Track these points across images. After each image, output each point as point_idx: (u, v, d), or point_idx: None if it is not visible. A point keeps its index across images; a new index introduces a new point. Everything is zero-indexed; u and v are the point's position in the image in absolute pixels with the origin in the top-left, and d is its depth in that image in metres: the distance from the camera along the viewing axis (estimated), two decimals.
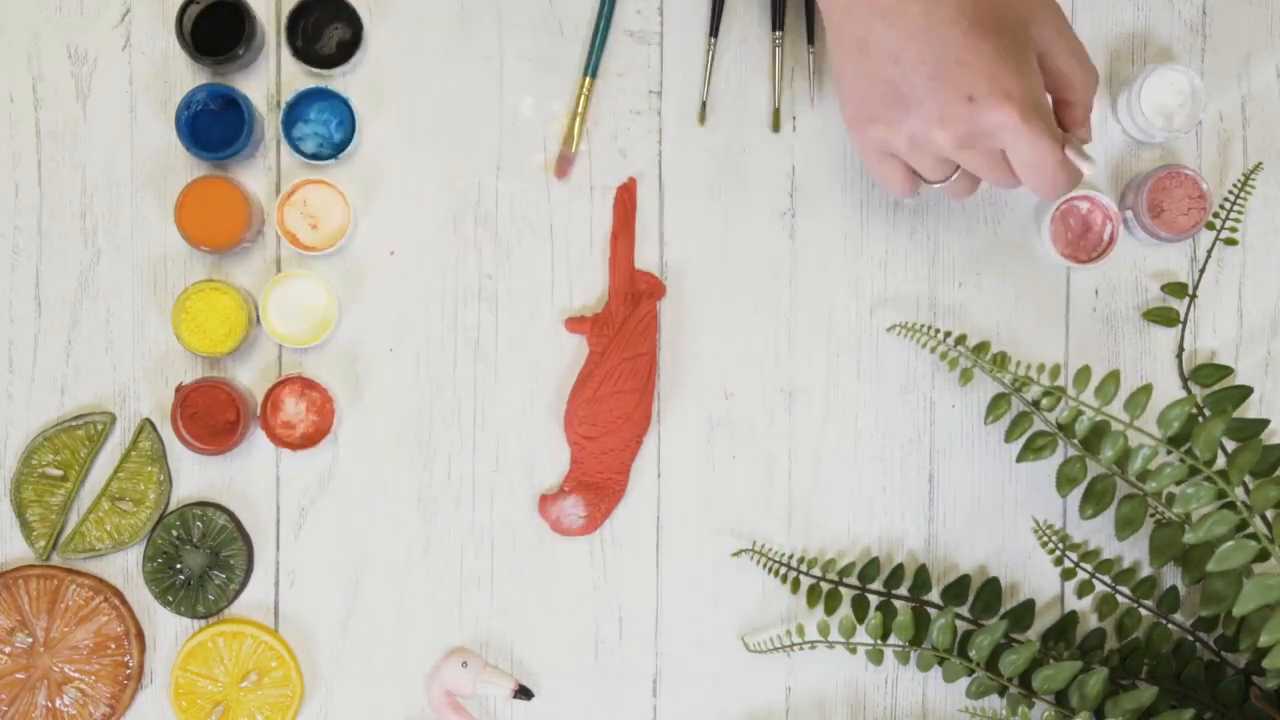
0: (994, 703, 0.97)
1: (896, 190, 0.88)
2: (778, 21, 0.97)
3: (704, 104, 0.98)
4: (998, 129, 0.81)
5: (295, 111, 0.96)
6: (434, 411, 0.98)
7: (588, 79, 0.97)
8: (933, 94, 0.81)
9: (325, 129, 0.96)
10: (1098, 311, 0.99)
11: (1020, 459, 0.94)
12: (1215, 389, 0.98)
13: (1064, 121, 0.87)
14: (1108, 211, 0.97)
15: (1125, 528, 0.91)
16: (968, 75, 0.80)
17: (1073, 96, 0.86)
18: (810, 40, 0.98)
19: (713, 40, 0.97)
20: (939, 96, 0.81)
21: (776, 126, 0.98)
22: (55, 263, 0.98)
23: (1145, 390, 0.85)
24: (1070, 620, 0.97)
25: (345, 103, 0.96)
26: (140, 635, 0.97)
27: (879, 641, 0.94)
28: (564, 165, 0.97)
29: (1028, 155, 0.82)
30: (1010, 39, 0.81)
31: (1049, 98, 0.85)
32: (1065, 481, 0.92)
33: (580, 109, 0.97)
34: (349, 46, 0.97)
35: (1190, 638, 0.95)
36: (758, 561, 0.97)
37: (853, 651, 0.94)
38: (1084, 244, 0.97)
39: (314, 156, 0.96)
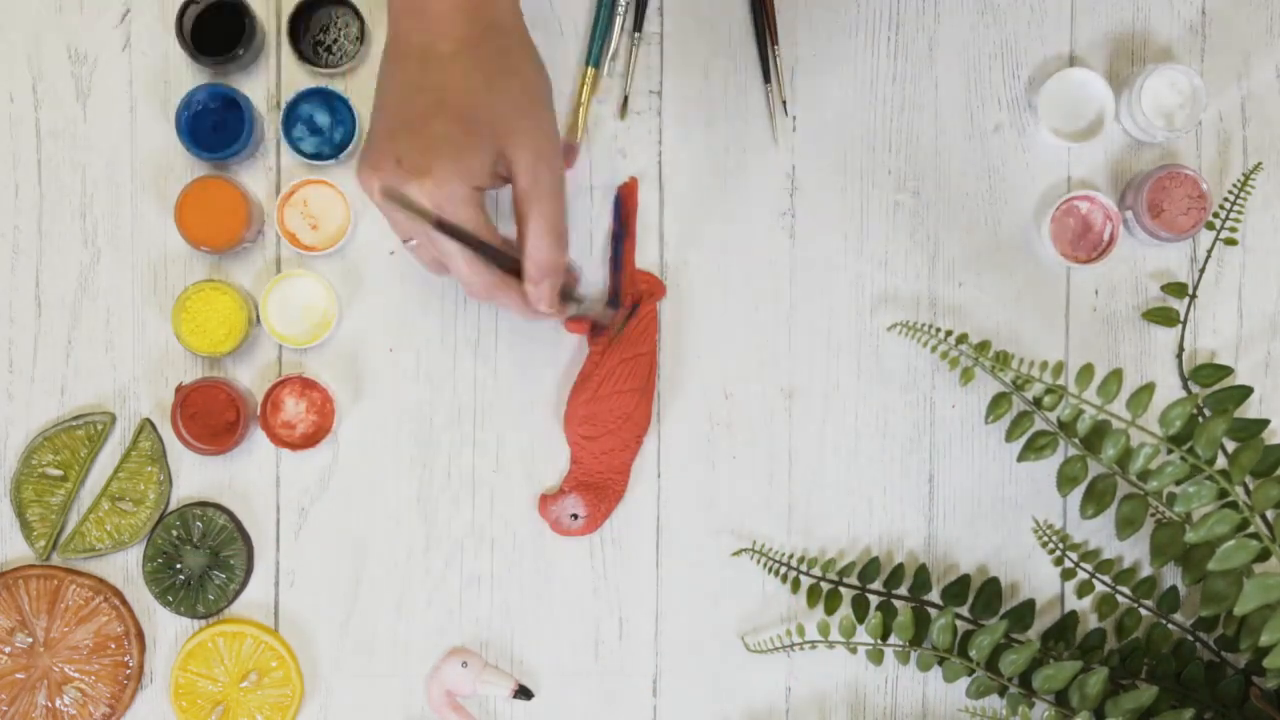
0: (994, 703, 0.97)
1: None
2: (758, 24, 0.98)
3: (625, 99, 0.98)
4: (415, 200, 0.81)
5: (295, 111, 0.96)
6: (434, 411, 0.98)
7: (590, 69, 0.97)
8: (381, 147, 0.82)
9: (325, 129, 0.96)
10: (1098, 311, 0.99)
11: (1021, 458, 0.94)
12: (1215, 389, 0.98)
13: (523, 270, 0.86)
14: (1108, 211, 0.97)
15: (1126, 527, 0.91)
16: (408, 140, 0.81)
17: (522, 239, 0.85)
18: (774, 40, 0.98)
19: (636, 35, 0.98)
20: (383, 149, 0.82)
21: (775, 119, 0.98)
22: (55, 263, 0.98)
23: (1147, 389, 0.85)
24: (1070, 620, 0.97)
25: (345, 103, 0.96)
26: (140, 635, 0.97)
27: (879, 641, 0.94)
28: (570, 155, 0.97)
29: (438, 241, 0.82)
30: (466, 132, 0.82)
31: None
32: (1066, 481, 0.92)
33: (584, 99, 0.97)
34: (350, 46, 0.97)
35: (1190, 638, 0.95)
36: (758, 561, 0.97)
37: (853, 651, 0.94)
38: (1084, 244, 0.97)
39: (314, 156, 0.96)
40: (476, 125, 0.82)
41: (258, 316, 0.97)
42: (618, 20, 0.98)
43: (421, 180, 0.81)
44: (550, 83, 0.86)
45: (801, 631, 0.96)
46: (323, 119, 0.96)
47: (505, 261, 0.85)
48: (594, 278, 0.98)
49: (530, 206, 0.84)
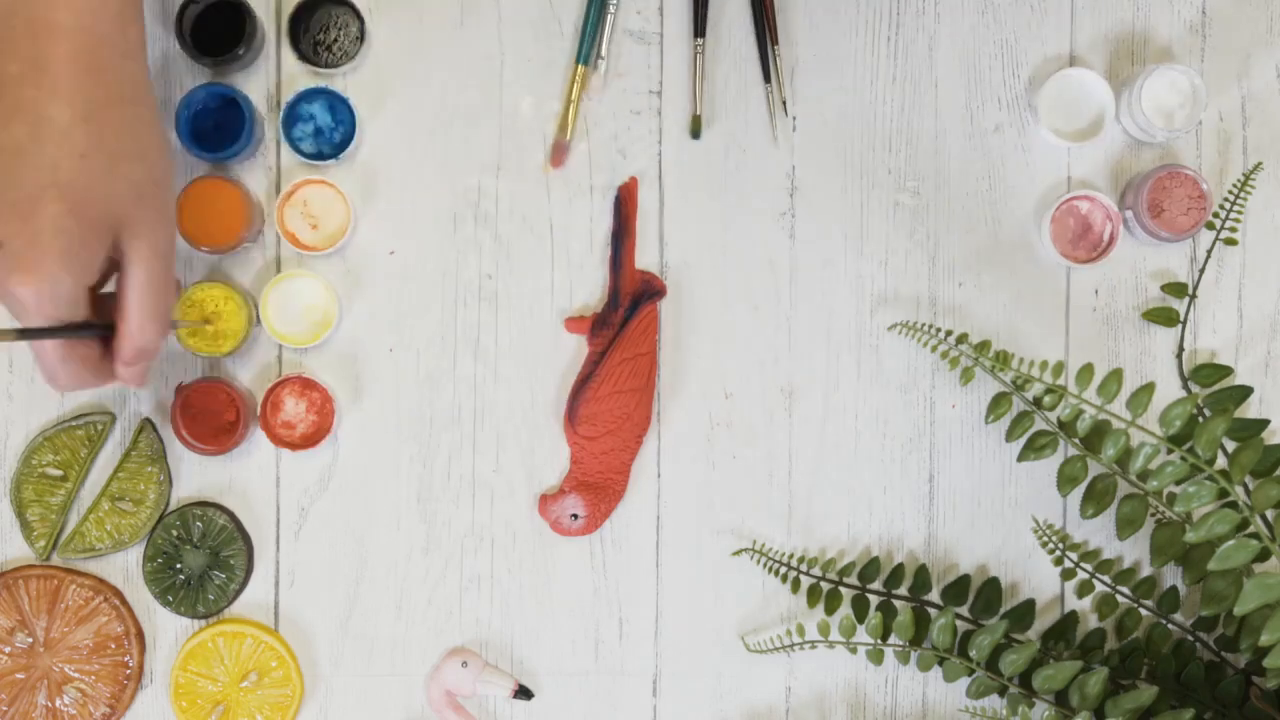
0: (994, 703, 0.97)
1: None
2: (758, 24, 0.98)
3: (697, 116, 0.98)
4: (13, 293, 0.73)
5: (295, 111, 0.96)
6: (434, 411, 0.98)
7: (580, 66, 0.97)
8: None
9: (325, 129, 0.96)
10: (1098, 311, 0.99)
11: (1021, 458, 0.94)
12: (1215, 389, 0.98)
13: (115, 348, 0.80)
14: (1108, 211, 0.97)
15: (1126, 527, 0.91)
16: (13, 224, 0.72)
17: (123, 327, 0.78)
18: (774, 40, 0.98)
19: (699, 42, 0.97)
20: None
21: (775, 120, 0.98)
22: None
23: (1147, 389, 0.85)
24: (1070, 620, 0.97)
25: (346, 103, 0.96)
26: (140, 635, 0.97)
27: (879, 641, 0.94)
28: (559, 154, 0.97)
29: (27, 322, 0.74)
30: (82, 226, 0.73)
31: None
32: (1066, 481, 0.92)
33: (574, 96, 0.97)
34: (350, 46, 0.97)
35: (1190, 638, 0.95)
36: (758, 561, 0.97)
37: (853, 651, 0.94)
38: (1084, 244, 0.97)
39: (314, 156, 0.96)
40: (93, 216, 0.73)
41: (258, 317, 0.97)
42: (608, 18, 0.98)
43: (25, 276, 0.72)
44: (173, 162, 0.77)
45: (801, 631, 0.96)
46: (323, 119, 0.96)
47: (96, 333, 0.79)
48: (594, 278, 0.98)
49: (140, 296, 0.77)
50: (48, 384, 0.81)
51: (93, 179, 0.73)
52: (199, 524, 0.97)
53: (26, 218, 0.72)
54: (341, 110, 0.96)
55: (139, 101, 0.76)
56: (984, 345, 0.91)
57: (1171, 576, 0.98)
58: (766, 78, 0.98)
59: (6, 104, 0.72)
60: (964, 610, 0.97)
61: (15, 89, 0.72)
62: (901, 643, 0.93)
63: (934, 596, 0.98)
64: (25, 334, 0.75)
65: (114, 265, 0.79)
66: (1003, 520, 0.99)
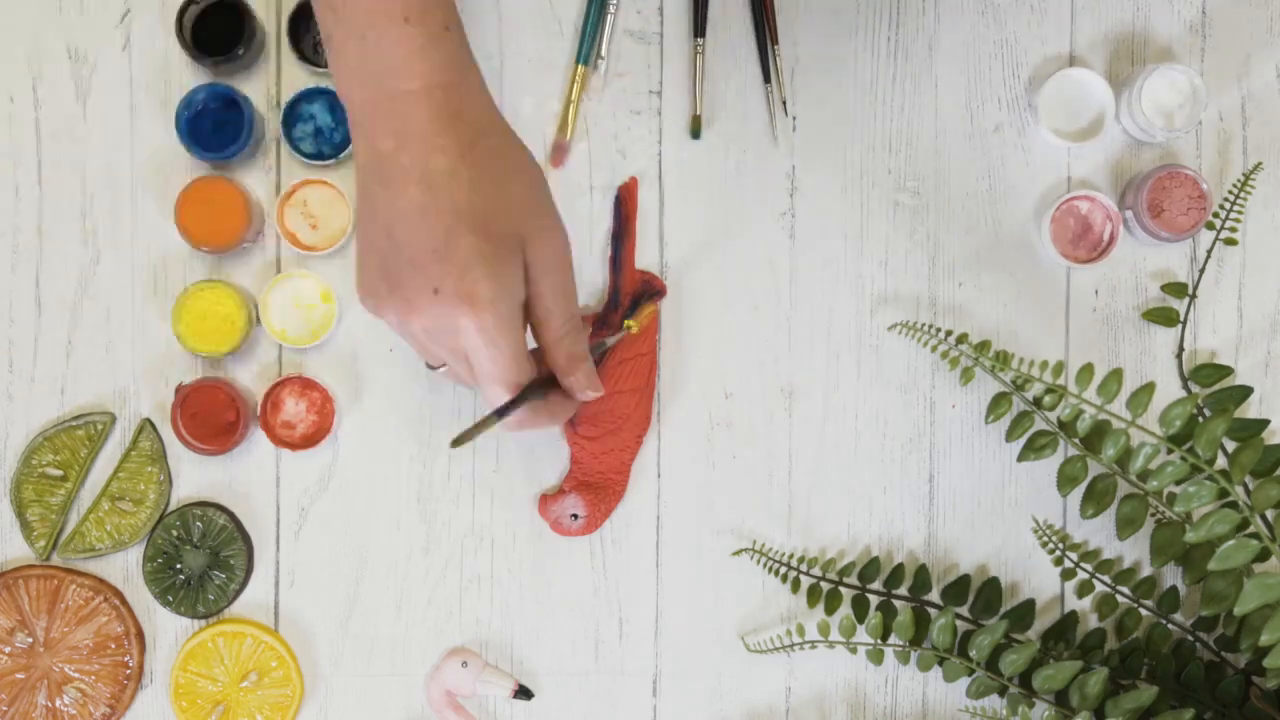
0: (994, 703, 0.97)
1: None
2: (758, 24, 0.98)
3: (697, 117, 0.98)
4: (459, 330, 0.78)
5: (295, 111, 0.96)
6: (434, 411, 0.98)
7: (580, 66, 0.97)
8: (409, 278, 0.78)
9: (326, 129, 0.96)
10: (1098, 311, 0.99)
11: (1021, 458, 0.94)
12: (1215, 389, 0.98)
13: (552, 364, 0.84)
14: (1108, 211, 0.97)
15: (1126, 527, 0.91)
16: (439, 267, 0.77)
17: (548, 337, 0.83)
18: (774, 40, 0.98)
19: (699, 42, 0.97)
20: (413, 282, 0.78)
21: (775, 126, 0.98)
22: (55, 263, 0.98)
23: (1147, 389, 0.85)
24: (1070, 620, 0.97)
25: None
26: (140, 635, 0.97)
27: (879, 641, 0.94)
28: (559, 154, 0.98)
29: (482, 366, 0.80)
30: (495, 245, 0.78)
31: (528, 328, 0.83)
32: (1066, 481, 0.92)
33: (574, 96, 0.97)
34: None
35: (1190, 638, 0.95)
36: (757, 561, 0.97)
37: (853, 652, 0.94)
38: (1084, 244, 0.97)
39: (314, 156, 0.96)
40: (500, 234, 0.78)
41: (258, 317, 0.97)
42: (608, 18, 0.98)
43: (467, 308, 0.77)
44: (541, 170, 0.82)
45: (801, 631, 0.96)
46: (323, 119, 0.96)
47: (543, 386, 0.84)
48: (594, 278, 0.98)
49: (553, 301, 0.82)
50: (508, 430, 0.85)
51: (488, 202, 0.78)
52: (199, 524, 0.97)
53: (449, 258, 0.77)
54: (341, 110, 0.96)
55: (499, 131, 0.81)
56: (984, 345, 0.91)
57: (1171, 576, 0.98)
58: (766, 78, 0.98)
59: (395, 177, 0.78)
60: (964, 610, 0.97)
61: (394, 160, 0.78)
62: (901, 643, 0.93)
63: (934, 596, 0.98)
64: (503, 411, 0.81)
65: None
66: (1003, 520, 0.99)
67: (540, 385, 0.84)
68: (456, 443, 0.81)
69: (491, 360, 0.79)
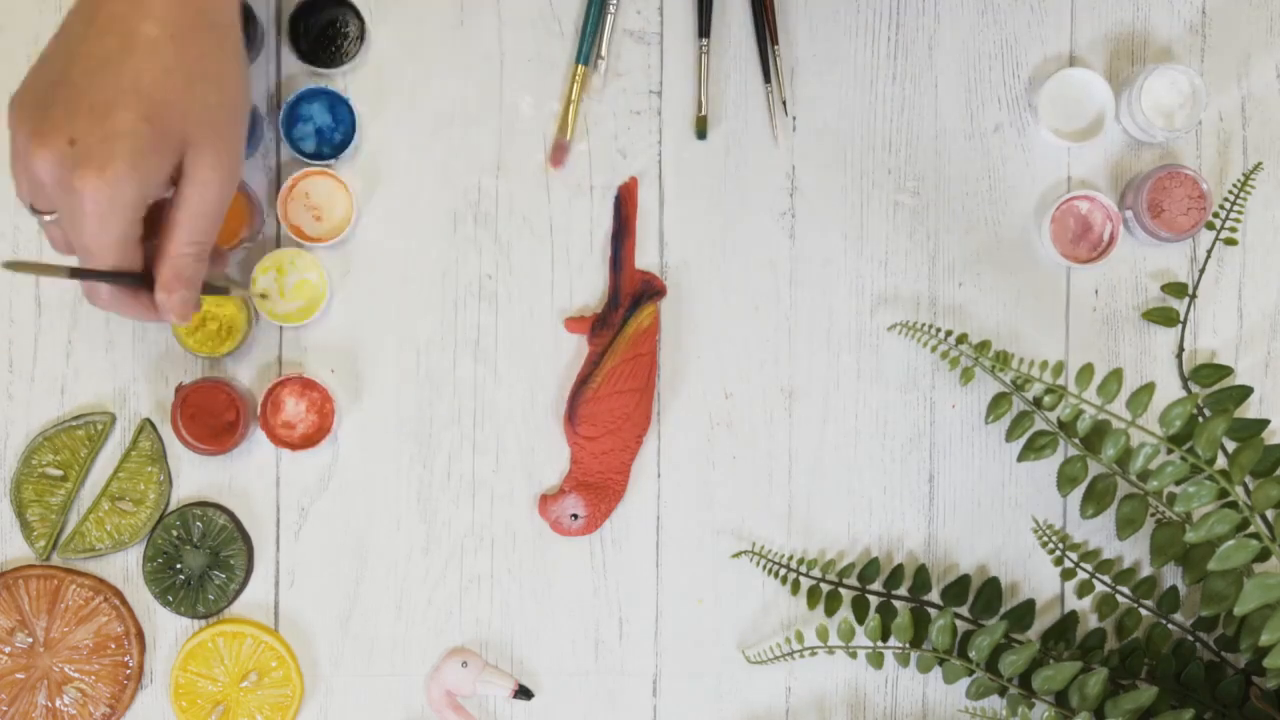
0: (994, 703, 0.97)
1: (17, 192, 0.81)
2: (758, 24, 0.98)
3: (702, 117, 0.98)
4: (74, 191, 0.76)
5: (296, 111, 0.96)
6: (434, 411, 0.98)
7: (580, 66, 0.97)
8: (57, 115, 0.76)
9: (326, 129, 0.96)
10: (1098, 311, 0.99)
11: (1021, 458, 0.94)
12: (1215, 389, 0.98)
13: (156, 271, 0.81)
14: (1108, 211, 0.97)
15: (1126, 527, 0.91)
16: (87, 122, 0.75)
17: (166, 248, 0.80)
18: (774, 40, 0.98)
19: (704, 42, 0.97)
20: (58, 119, 0.76)
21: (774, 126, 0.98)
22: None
23: (1147, 389, 0.85)
24: (1070, 620, 0.97)
25: (346, 103, 0.96)
26: (140, 635, 0.97)
27: (878, 644, 0.93)
28: (559, 154, 0.97)
29: (83, 236, 0.77)
30: (152, 133, 0.76)
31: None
32: (1066, 481, 0.92)
33: (574, 96, 0.97)
34: (350, 46, 0.97)
35: (1190, 638, 0.95)
36: (757, 563, 0.97)
37: (853, 656, 0.94)
38: (1084, 244, 0.97)
39: (314, 157, 0.96)
40: (166, 128, 0.76)
41: (255, 312, 0.97)
42: (608, 18, 0.98)
43: (92, 173, 0.75)
44: (250, 96, 0.81)
45: (800, 638, 0.96)
46: (323, 119, 0.96)
47: (135, 281, 0.81)
48: (594, 278, 0.98)
49: (189, 217, 0.80)
50: (87, 299, 0.82)
51: (171, 93, 0.76)
52: (199, 524, 0.97)
53: (102, 119, 0.75)
54: (341, 110, 0.96)
55: (224, 31, 0.79)
56: (984, 345, 0.91)
57: (1171, 576, 0.98)
58: (766, 78, 0.98)
59: (101, 18, 0.76)
60: (964, 610, 0.97)
61: (110, 5, 0.76)
62: (901, 645, 0.93)
63: (934, 597, 0.98)
64: (76, 273, 0.77)
65: (169, 187, 0.81)
66: (1003, 520, 0.99)
67: (138, 279, 0.81)
68: (10, 265, 0.78)
69: (93, 235, 0.77)
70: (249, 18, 0.94)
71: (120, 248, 0.79)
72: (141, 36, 0.76)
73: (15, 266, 0.79)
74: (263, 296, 0.94)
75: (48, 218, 0.81)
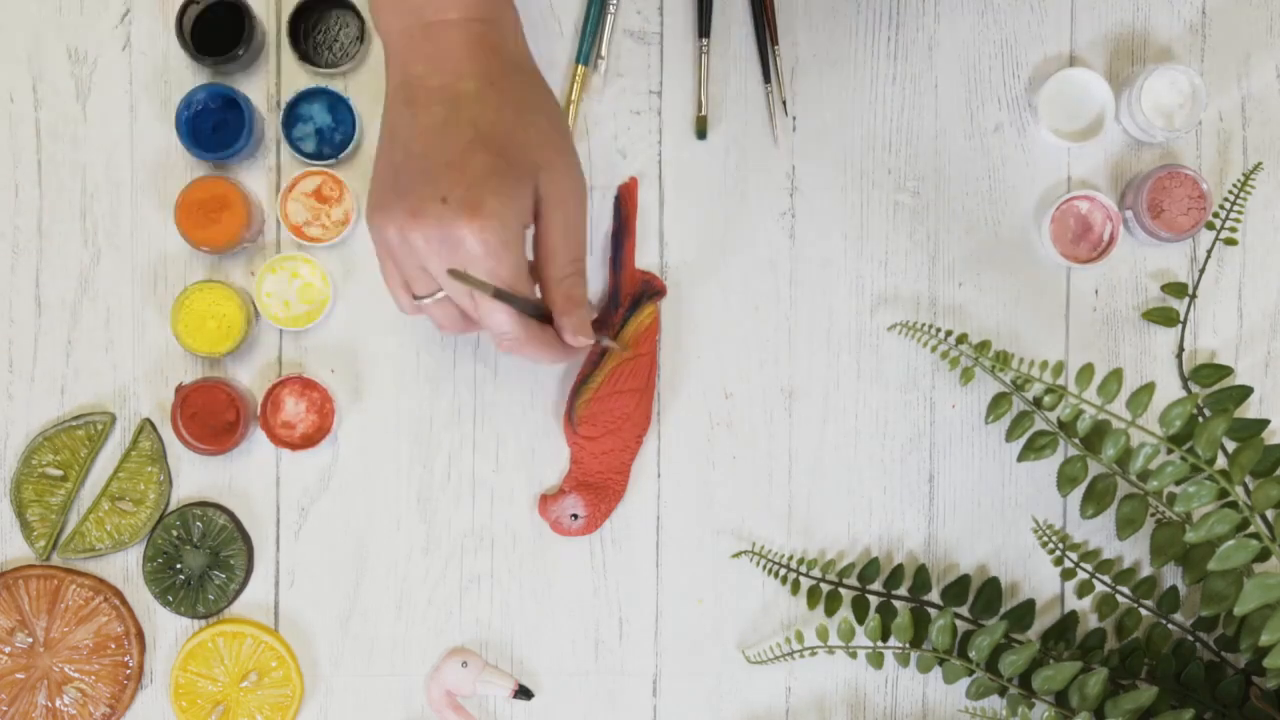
0: (994, 703, 0.97)
1: (397, 301, 0.86)
2: (758, 24, 0.98)
3: (702, 117, 0.98)
4: (460, 241, 0.79)
5: (296, 111, 0.96)
6: (434, 411, 0.98)
7: (580, 66, 0.97)
8: (419, 186, 0.79)
9: (326, 130, 0.96)
10: (1098, 311, 0.99)
11: (1021, 458, 0.94)
12: (1215, 389, 0.98)
13: (549, 302, 0.84)
14: (1108, 211, 0.97)
15: (1126, 527, 0.91)
16: (450, 177, 0.79)
17: (549, 274, 0.84)
18: (774, 40, 0.98)
19: (704, 42, 0.97)
20: (422, 190, 0.79)
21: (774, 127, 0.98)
22: (55, 263, 0.98)
23: (1147, 389, 0.85)
24: (1070, 620, 0.97)
25: (345, 103, 0.96)
26: (140, 635, 0.97)
27: (878, 644, 0.93)
28: None
29: (482, 270, 0.80)
30: (509, 165, 0.80)
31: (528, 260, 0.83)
32: (1066, 481, 0.92)
33: (574, 96, 0.97)
34: (350, 46, 0.97)
35: (1190, 638, 0.95)
36: (757, 564, 0.97)
37: (853, 656, 0.94)
38: (1084, 244, 0.97)
39: (314, 157, 0.96)
40: (516, 160, 0.80)
41: (256, 313, 0.97)
42: (608, 18, 0.98)
43: (473, 218, 0.78)
44: (567, 121, 0.85)
45: (800, 638, 0.96)
46: (323, 119, 0.96)
47: (538, 311, 0.84)
48: (594, 278, 0.98)
49: (560, 238, 0.83)
50: (500, 346, 0.84)
51: (508, 128, 0.81)
52: (199, 524, 0.97)
53: (462, 169, 0.79)
54: (341, 110, 0.96)
55: (528, 69, 0.84)
56: (984, 345, 0.91)
57: (1171, 576, 0.98)
58: (766, 78, 0.98)
59: (421, 96, 0.81)
60: (964, 610, 0.97)
61: (425, 82, 0.81)
62: (901, 645, 0.93)
63: (934, 597, 0.98)
64: (500, 294, 0.80)
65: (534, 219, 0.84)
66: (1003, 520, 0.99)
67: (536, 308, 0.84)
68: (454, 273, 0.80)
69: (490, 273, 0.80)
70: (249, 17, 0.94)
71: (516, 280, 0.81)
72: (464, 94, 0.81)
73: (458, 275, 0.80)
74: (623, 348, 0.95)
75: (430, 300, 0.84)
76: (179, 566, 0.97)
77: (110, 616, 0.97)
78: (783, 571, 0.97)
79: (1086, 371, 0.86)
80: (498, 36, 0.82)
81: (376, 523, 0.98)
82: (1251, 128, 0.99)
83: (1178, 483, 0.84)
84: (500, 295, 0.81)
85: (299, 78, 0.97)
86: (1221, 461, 0.94)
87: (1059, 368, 0.88)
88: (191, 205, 0.94)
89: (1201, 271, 0.98)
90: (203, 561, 0.97)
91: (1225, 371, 0.98)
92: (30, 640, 0.96)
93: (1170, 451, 0.84)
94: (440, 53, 0.81)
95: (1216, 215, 0.96)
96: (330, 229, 0.96)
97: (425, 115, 0.81)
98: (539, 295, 0.85)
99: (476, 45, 0.81)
